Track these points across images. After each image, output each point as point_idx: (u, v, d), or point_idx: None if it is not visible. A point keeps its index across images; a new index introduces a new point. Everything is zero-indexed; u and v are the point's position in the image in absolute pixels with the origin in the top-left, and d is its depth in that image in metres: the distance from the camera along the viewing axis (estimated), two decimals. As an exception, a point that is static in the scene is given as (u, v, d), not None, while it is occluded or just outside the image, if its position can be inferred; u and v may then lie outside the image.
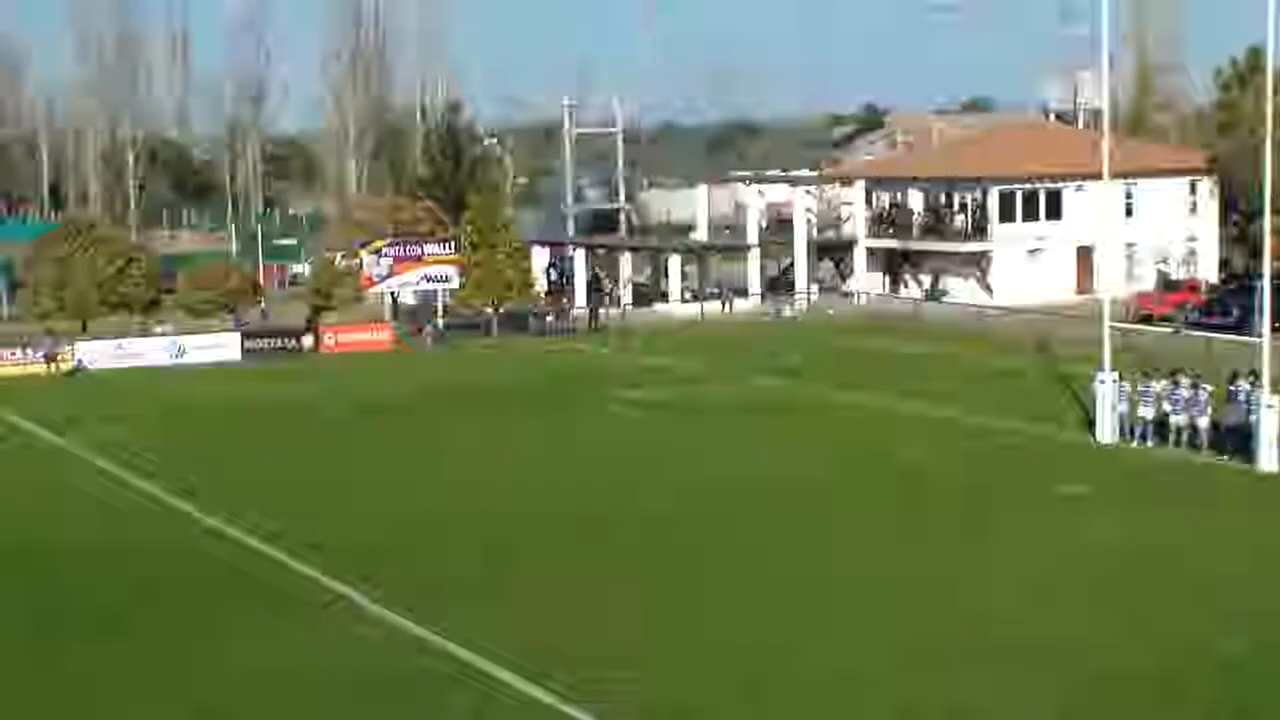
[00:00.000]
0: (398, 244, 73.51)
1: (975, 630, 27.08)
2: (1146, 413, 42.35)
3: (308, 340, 68.69)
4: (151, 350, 66.30)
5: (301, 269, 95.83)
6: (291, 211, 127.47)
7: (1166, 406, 42.06)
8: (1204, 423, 41.54)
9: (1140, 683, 24.53)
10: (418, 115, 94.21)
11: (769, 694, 24.36)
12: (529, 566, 32.08)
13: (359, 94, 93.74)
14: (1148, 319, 68.44)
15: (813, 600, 29.21)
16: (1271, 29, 41.00)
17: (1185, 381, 42.17)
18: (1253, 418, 39.91)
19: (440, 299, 73.57)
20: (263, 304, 79.75)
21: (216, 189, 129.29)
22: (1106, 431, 43.09)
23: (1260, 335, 41.93)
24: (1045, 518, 35.28)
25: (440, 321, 72.23)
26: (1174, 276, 79.08)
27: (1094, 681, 24.56)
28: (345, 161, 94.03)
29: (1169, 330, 64.59)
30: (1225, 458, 40.37)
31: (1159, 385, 42.42)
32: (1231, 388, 41.98)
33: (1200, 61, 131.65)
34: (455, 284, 72.74)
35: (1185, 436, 41.77)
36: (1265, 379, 39.95)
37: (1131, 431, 42.61)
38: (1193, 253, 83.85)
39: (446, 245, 73.54)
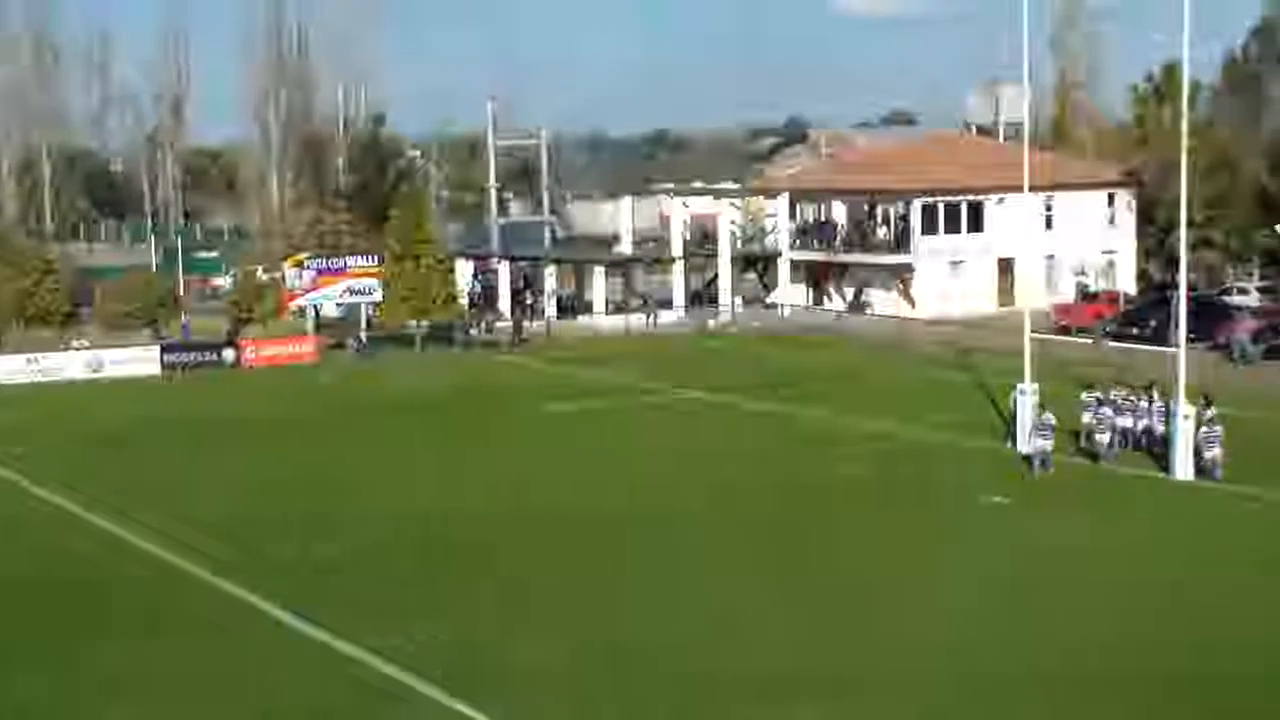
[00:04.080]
0: (320, 257, 73.08)
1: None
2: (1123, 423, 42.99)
3: (229, 354, 68.15)
4: (69, 365, 65.49)
5: (223, 282, 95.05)
6: (212, 224, 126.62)
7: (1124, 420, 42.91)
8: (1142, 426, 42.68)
9: (1054, 684, 24.79)
10: (340, 127, 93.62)
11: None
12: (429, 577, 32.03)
13: (280, 105, 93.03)
14: (1066, 330, 69.03)
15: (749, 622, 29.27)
16: (1186, 47, 41.58)
17: (1123, 393, 43.47)
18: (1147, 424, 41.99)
19: (364, 312, 73.23)
20: (184, 318, 79.02)
21: (135, 201, 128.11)
22: (1024, 441, 43.44)
23: (1176, 346, 42.46)
24: (962, 524, 35.57)
25: (364, 335, 71.86)
26: (1093, 288, 79.79)
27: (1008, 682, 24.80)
28: (267, 173, 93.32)
29: (1088, 342, 65.16)
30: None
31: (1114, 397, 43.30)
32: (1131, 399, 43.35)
33: (1118, 77, 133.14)
34: (379, 297, 72.39)
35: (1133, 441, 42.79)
36: (1180, 389, 40.47)
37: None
38: (1111, 265, 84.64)
39: (370, 258, 73.17)
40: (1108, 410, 42.01)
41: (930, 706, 24.33)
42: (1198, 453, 39.81)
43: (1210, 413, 40.71)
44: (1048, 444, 40.96)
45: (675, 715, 24.46)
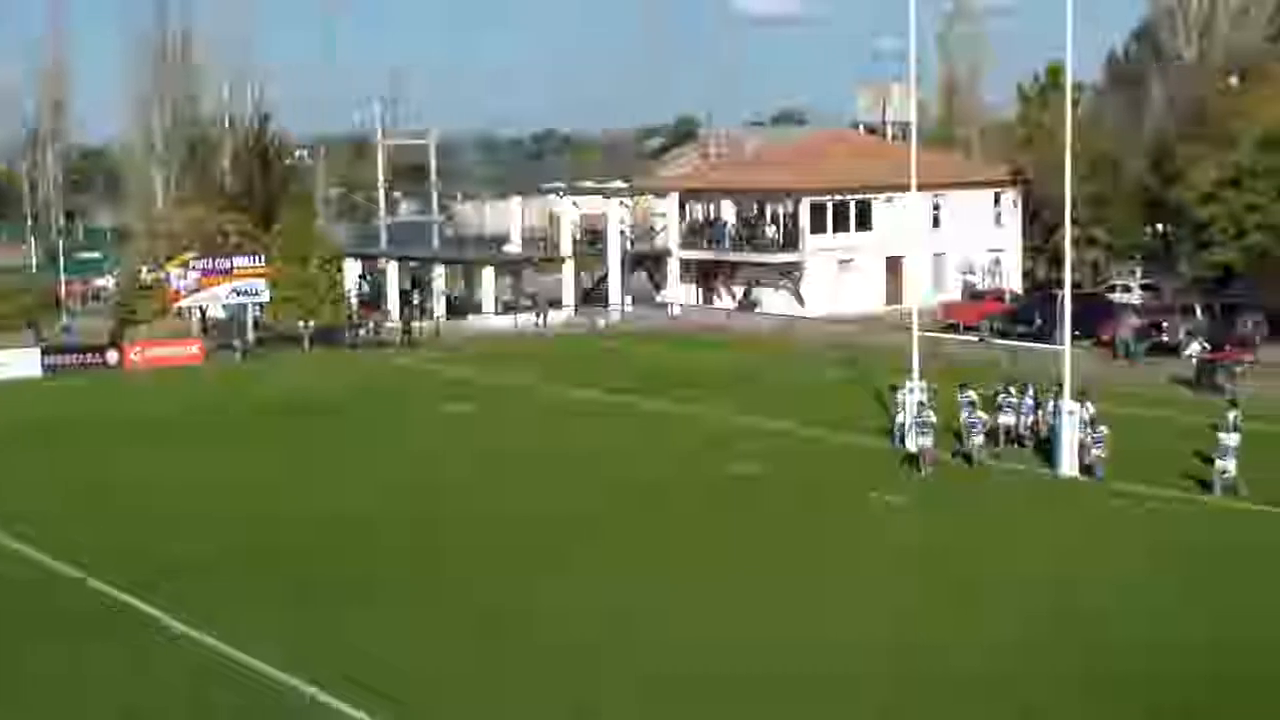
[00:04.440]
0: (206, 257, 72.27)
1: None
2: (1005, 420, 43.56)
3: (112, 356, 67.16)
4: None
5: (106, 283, 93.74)
6: (95, 225, 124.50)
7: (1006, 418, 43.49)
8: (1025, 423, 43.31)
9: (939, 685, 24.89)
10: (225, 125, 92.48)
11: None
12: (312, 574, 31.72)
13: (164, 105, 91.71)
14: (954, 328, 69.58)
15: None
16: (1070, 47, 41.97)
17: (1015, 389, 43.90)
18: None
19: (250, 313, 72.44)
20: (66, 319, 77.85)
21: (15, 201, 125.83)
22: (910, 439, 43.70)
23: (1062, 343, 42.92)
24: (854, 523, 35.72)
25: (250, 336, 71.09)
26: (980, 286, 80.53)
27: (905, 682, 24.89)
28: (150, 173, 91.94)
29: (975, 339, 65.71)
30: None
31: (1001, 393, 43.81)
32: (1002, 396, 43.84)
33: (1004, 77, 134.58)
34: (265, 297, 71.69)
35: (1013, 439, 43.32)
36: (1067, 386, 40.90)
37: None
38: (998, 263, 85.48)
39: (256, 258, 72.41)
40: (980, 411, 42.06)
41: (832, 706, 24.33)
42: (1083, 450, 40.23)
43: (1090, 411, 41.12)
44: (927, 440, 41.13)
45: (580, 715, 24.34)
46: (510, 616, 29.17)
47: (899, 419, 44.22)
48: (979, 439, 41.54)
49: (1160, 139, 77.87)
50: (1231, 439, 39.17)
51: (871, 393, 51.15)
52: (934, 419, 41.58)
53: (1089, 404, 41.29)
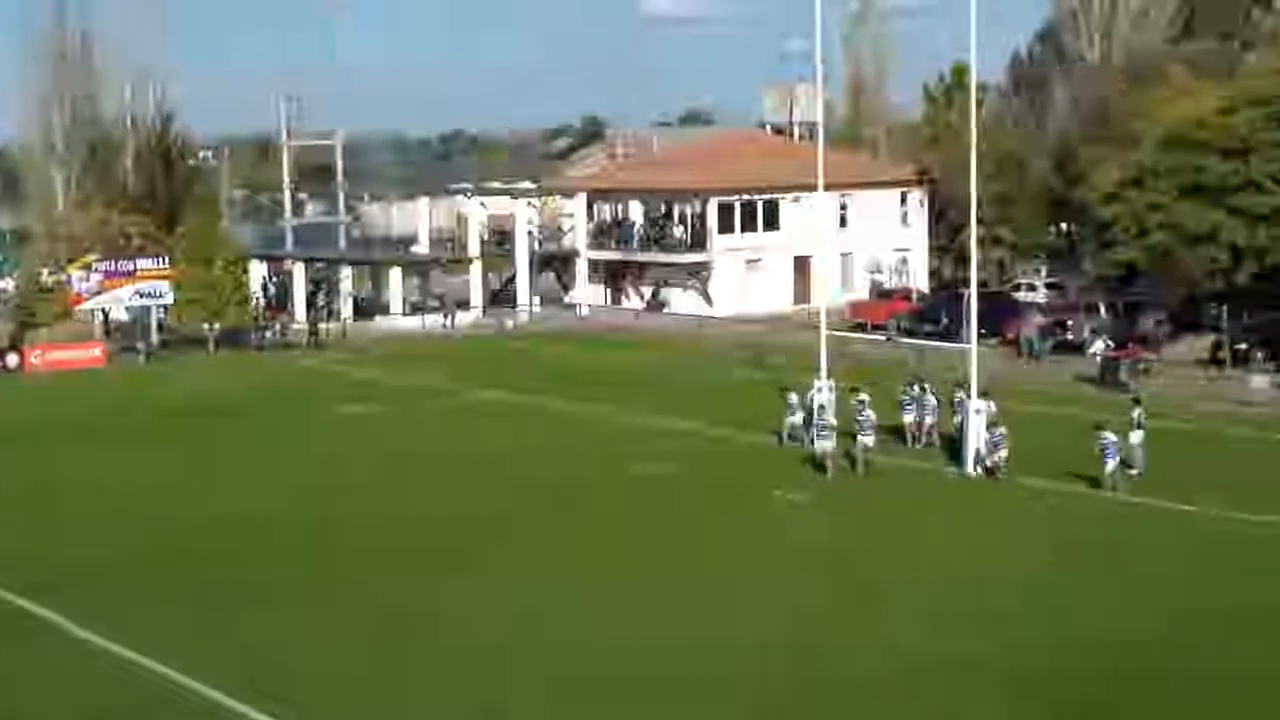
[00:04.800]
0: (108, 259, 71.37)
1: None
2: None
3: (12, 359, 66.16)
4: None
5: (5, 286, 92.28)
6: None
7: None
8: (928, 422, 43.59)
9: (848, 684, 24.91)
10: (127, 126, 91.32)
11: None
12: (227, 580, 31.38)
13: (64, 103, 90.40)
14: (862, 327, 69.86)
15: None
16: (974, 47, 42.27)
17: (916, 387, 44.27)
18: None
19: (155, 315, 71.60)
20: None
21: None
22: (818, 439, 43.79)
23: (968, 342, 43.20)
24: (761, 523, 35.76)
25: (154, 338, 70.26)
26: (887, 286, 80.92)
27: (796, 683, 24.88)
28: (50, 174, 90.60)
29: (882, 338, 66.03)
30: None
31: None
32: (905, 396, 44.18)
33: (911, 77, 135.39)
34: (170, 299, 70.91)
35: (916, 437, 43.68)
36: (973, 385, 41.15)
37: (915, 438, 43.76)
38: (905, 262, 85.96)
39: (160, 260, 71.60)
40: (870, 413, 41.86)
41: (742, 705, 24.30)
42: (983, 452, 40.38)
43: (992, 411, 41.17)
44: (828, 443, 40.87)
45: (488, 717, 24.20)
46: (415, 618, 29.00)
47: (789, 420, 44.30)
48: (868, 439, 41.23)
49: (1064, 139, 78.61)
50: (1135, 436, 39.64)
51: (779, 392, 51.19)
52: (834, 421, 41.47)
53: (991, 405, 41.48)
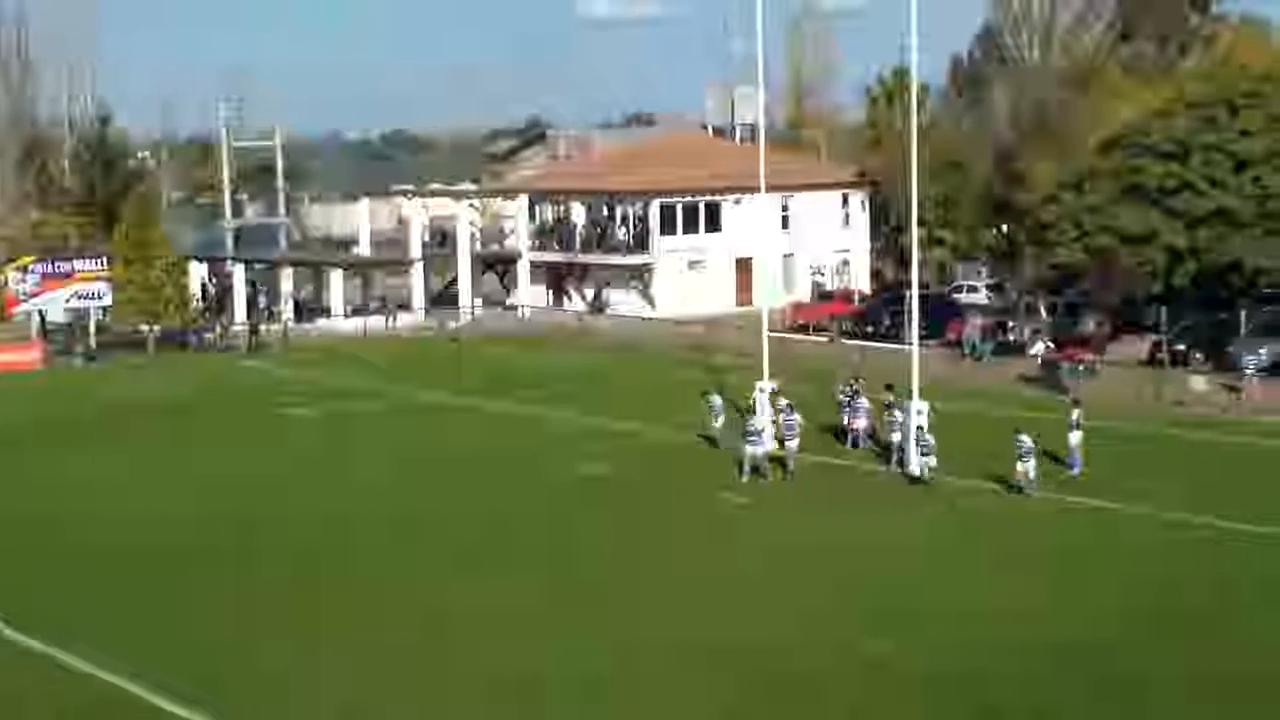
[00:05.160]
0: (45, 261, 70.73)
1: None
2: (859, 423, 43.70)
3: (-55, 362, 65.53)
4: None
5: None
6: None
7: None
8: (862, 425, 43.56)
9: (793, 684, 24.93)
10: (65, 126, 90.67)
11: None
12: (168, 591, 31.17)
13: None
14: (804, 329, 70.00)
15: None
16: (915, 50, 42.46)
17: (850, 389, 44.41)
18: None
19: (93, 317, 71.02)
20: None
21: None
22: (767, 439, 43.80)
23: (910, 344, 43.33)
24: (702, 524, 35.78)
25: (93, 341, 69.67)
26: (828, 287, 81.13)
27: (760, 683, 24.89)
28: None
29: (824, 340, 66.19)
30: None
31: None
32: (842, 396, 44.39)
33: (853, 79, 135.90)
34: (108, 301, 70.38)
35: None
36: (915, 386, 41.22)
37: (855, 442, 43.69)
38: (846, 264, 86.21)
39: (98, 261, 71.07)
40: (797, 415, 41.69)
41: (679, 707, 24.28)
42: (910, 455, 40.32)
43: (926, 418, 41.12)
44: (757, 449, 40.41)
45: (413, 716, 24.11)
46: (346, 615, 29.00)
47: (715, 423, 44.21)
48: (794, 443, 41.08)
49: (1004, 141, 79.04)
50: (1074, 437, 39.85)
51: (725, 395, 51.18)
52: (759, 425, 41.06)
53: (925, 407, 41.41)
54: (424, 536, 35.30)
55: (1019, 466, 37.81)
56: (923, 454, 39.64)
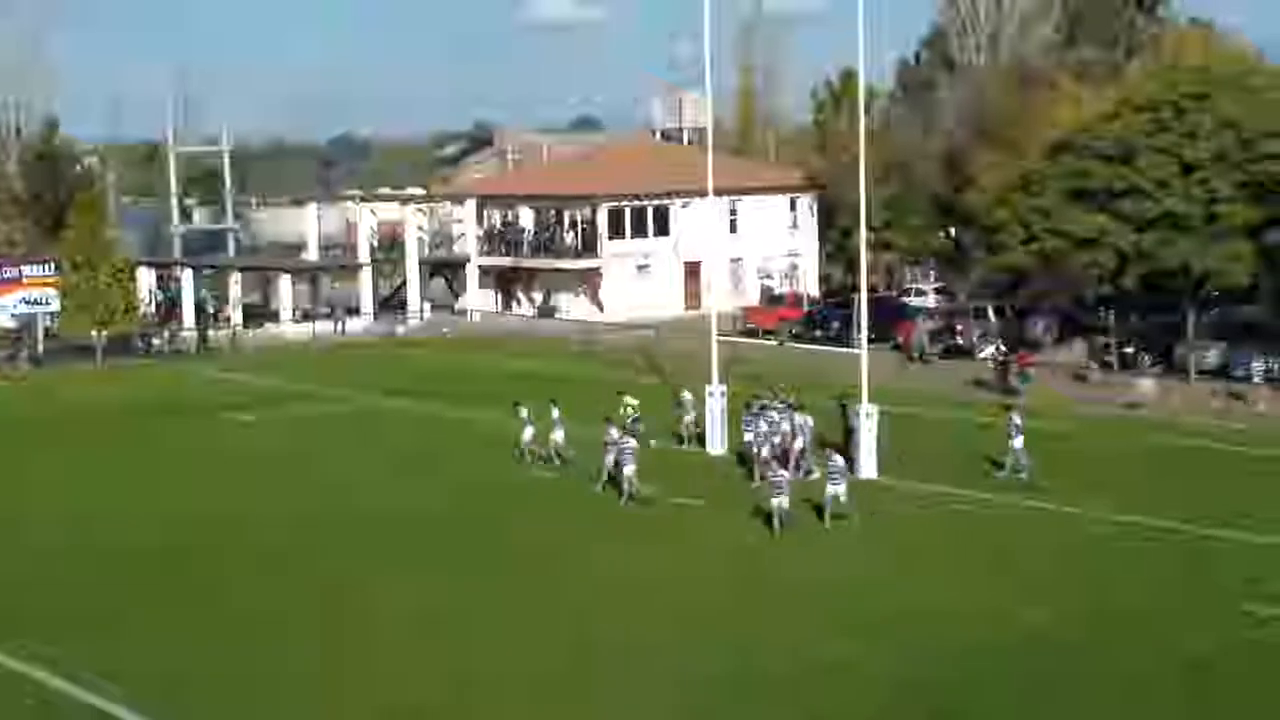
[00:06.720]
0: (-8, 266, 70.39)
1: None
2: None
3: (-112, 370, 65.03)
4: None
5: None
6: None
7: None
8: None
9: (721, 684, 25.03)
10: (10, 131, 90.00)
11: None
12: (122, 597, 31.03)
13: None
14: (754, 333, 70.16)
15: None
16: (862, 53, 42.58)
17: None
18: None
19: (40, 323, 70.56)
20: None
21: None
22: (717, 442, 43.89)
23: (858, 347, 43.44)
24: (650, 526, 35.81)
25: (40, 346, 69.19)
26: (777, 291, 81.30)
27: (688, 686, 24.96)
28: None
29: (773, 344, 66.36)
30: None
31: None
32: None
33: (801, 82, 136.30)
34: (56, 307, 69.97)
35: None
36: (864, 389, 41.25)
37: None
38: (795, 268, 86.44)
39: (46, 267, 70.65)
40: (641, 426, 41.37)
41: (633, 708, 24.31)
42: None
43: (809, 423, 41.05)
44: (629, 469, 38.20)
45: (377, 716, 24.14)
46: (262, 620, 29.05)
47: (609, 438, 40.47)
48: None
49: (951, 144, 79.31)
50: (1018, 441, 39.98)
51: (665, 396, 51.16)
52: (634, 443, 39.30)
53: (809, 420, 40.81)
54: (376, 540, 35.16)
55: (830, 488, 35.49)
56: (832, 483, 35.89)
